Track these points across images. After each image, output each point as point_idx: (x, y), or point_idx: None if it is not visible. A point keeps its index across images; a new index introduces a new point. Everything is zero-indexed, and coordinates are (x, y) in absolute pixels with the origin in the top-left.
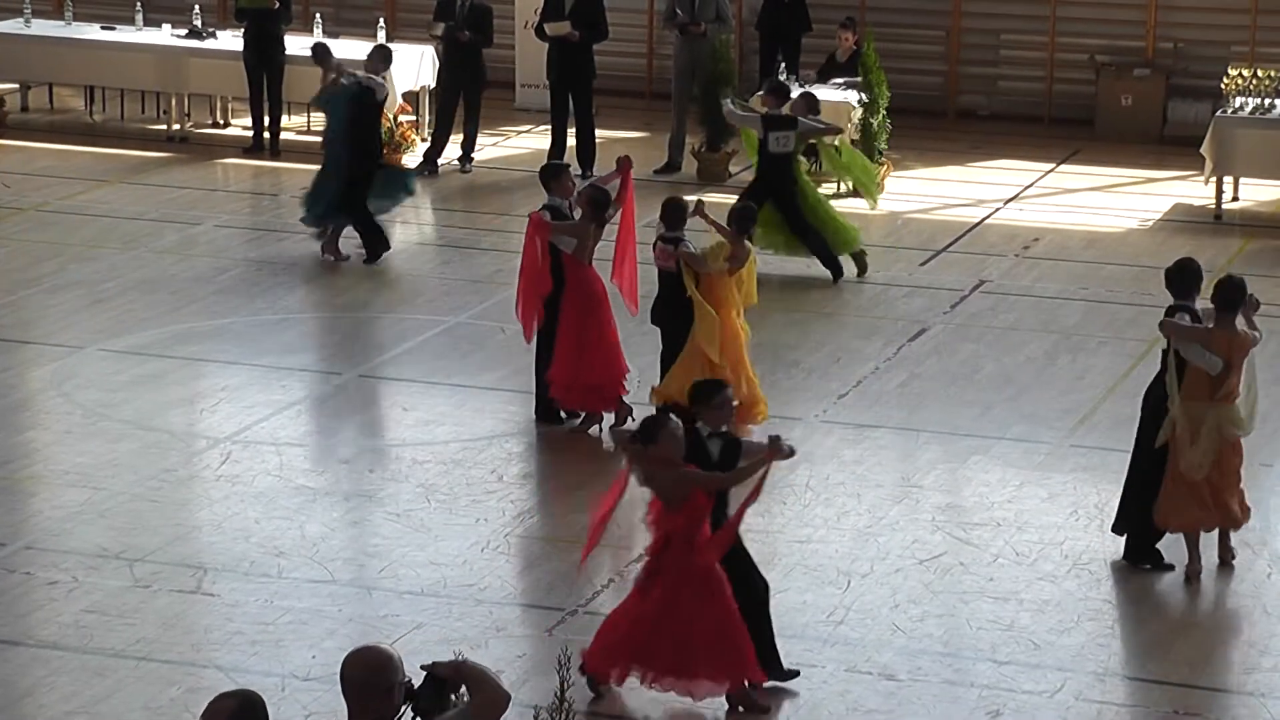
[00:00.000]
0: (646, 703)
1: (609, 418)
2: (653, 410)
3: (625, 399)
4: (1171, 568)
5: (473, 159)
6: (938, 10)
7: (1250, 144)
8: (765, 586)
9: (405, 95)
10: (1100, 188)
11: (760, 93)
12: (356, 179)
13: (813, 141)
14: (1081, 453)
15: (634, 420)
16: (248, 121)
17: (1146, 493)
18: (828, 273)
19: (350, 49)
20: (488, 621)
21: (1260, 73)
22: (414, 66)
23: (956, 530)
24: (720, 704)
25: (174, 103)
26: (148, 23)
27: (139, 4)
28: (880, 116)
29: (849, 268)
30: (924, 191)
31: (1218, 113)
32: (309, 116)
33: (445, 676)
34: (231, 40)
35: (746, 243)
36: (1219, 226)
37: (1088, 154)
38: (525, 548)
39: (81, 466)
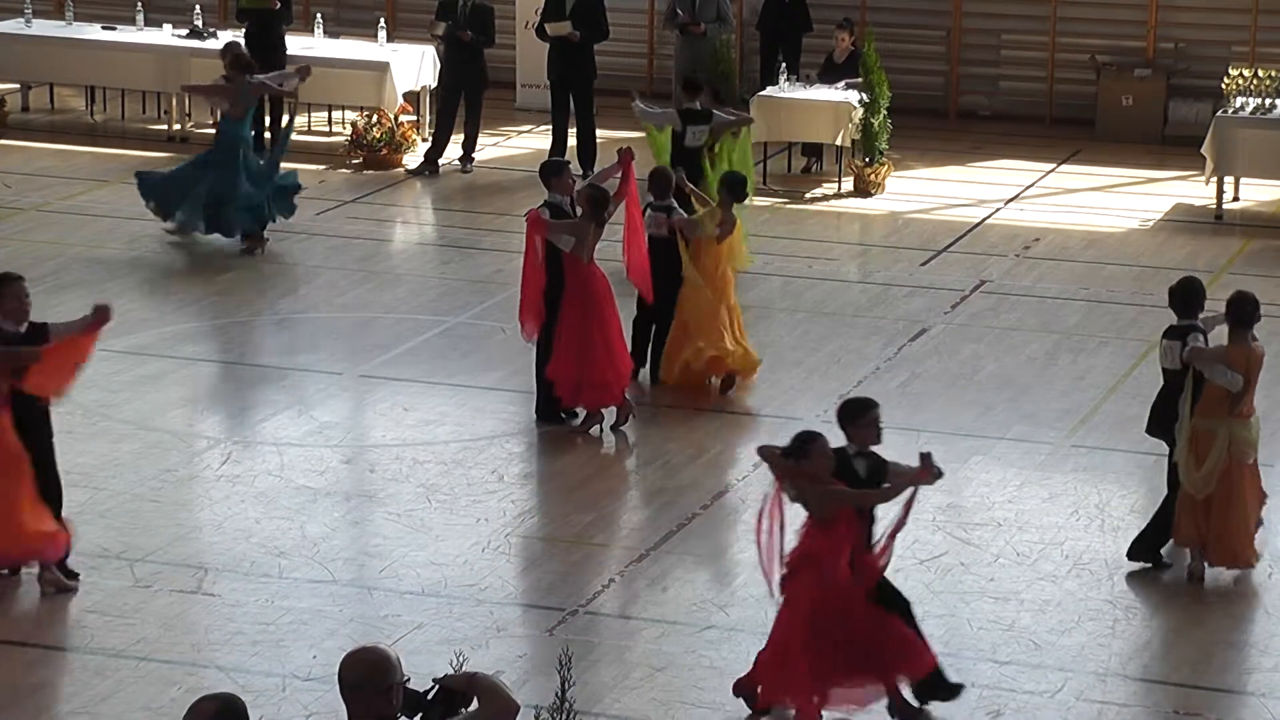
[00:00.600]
0: (647, 703)
1: (609, 418)
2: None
3: (629, 396)
4: (1169, 566)
5: (473, 159)
6: (938, 10)
7: (1251, 144)
8: (906, 601)
9: (406, 95)
10: (1101, 188)
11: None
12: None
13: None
14: (1082, 453)
15: (635, 418)
16: None
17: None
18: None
19: (351, 49)
20: (488, 621)
21: (1261, 73)
22: (414, 66)
23: (957, 530)
24: (727, 701)
25: (174, 103)
26: (148, 23)
27: (139, 4)
28: (881, 117)
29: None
30: (925, 191)
31: (1218, 113)
32: (309, 116)
33: (458, 689)
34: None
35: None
36: (1219, 227)
37: (1088, 154)
38: (526, 548)
39: (82, 466)
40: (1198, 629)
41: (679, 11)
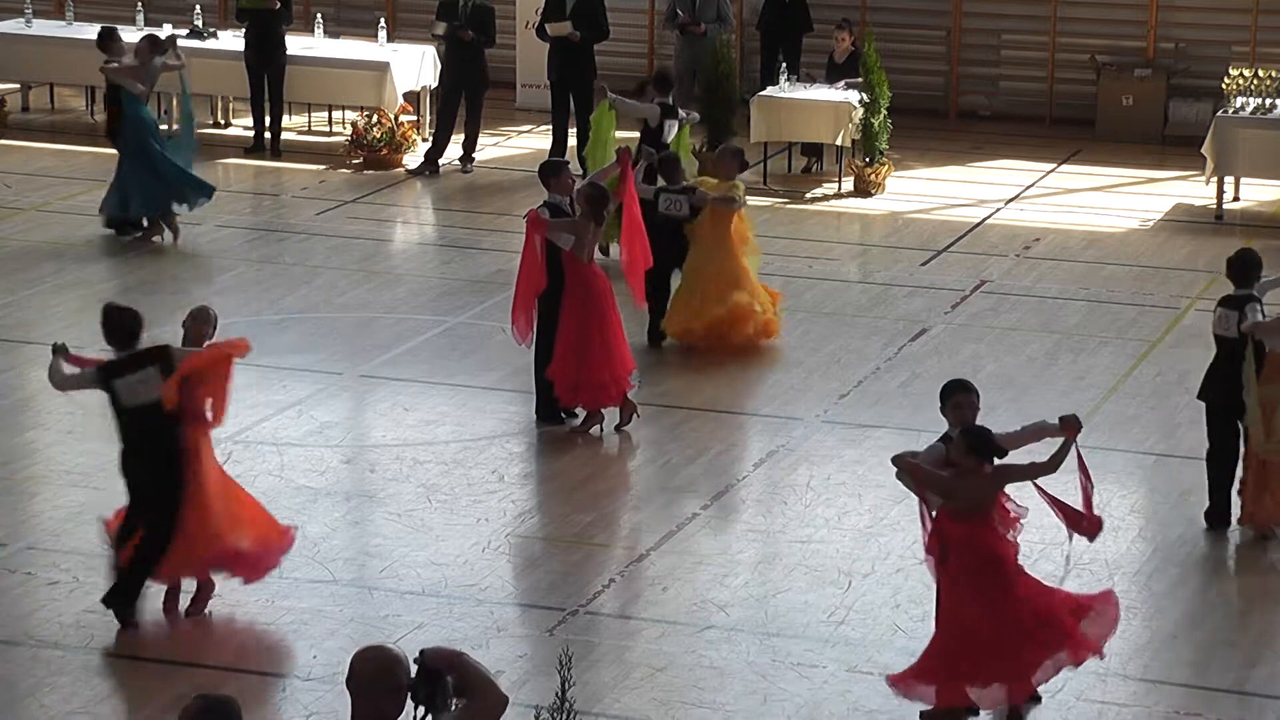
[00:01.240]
0: (647, 703)
1: (610, 418)
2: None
3: (630, 396)
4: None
5: (474, 159)
6: (938, 10)
7: (1251, 144)
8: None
9: (406, 95)
10: (1101, 188)
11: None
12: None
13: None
14: (1082, 453)
15: (638, 417)
16: (249, 121)
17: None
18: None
19: (351, 49)
20: (488, 621)
21: (1261, 73)
22: (414, 66)
23: None
24: (727, 701)
25: (174, 103)
26: (148, 23)
27: (140, 4)
28: (881, 116)
29: None
30: (925, 191)
31: (1219, 113)
32: (310, 116)
33: (439, 669)
34: (232, 40)
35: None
36: (1220, 227)
37: (1088, 154)
38: (526, 548)
39: (82, 466)
40: (1198, 629)
41: (679, 11)
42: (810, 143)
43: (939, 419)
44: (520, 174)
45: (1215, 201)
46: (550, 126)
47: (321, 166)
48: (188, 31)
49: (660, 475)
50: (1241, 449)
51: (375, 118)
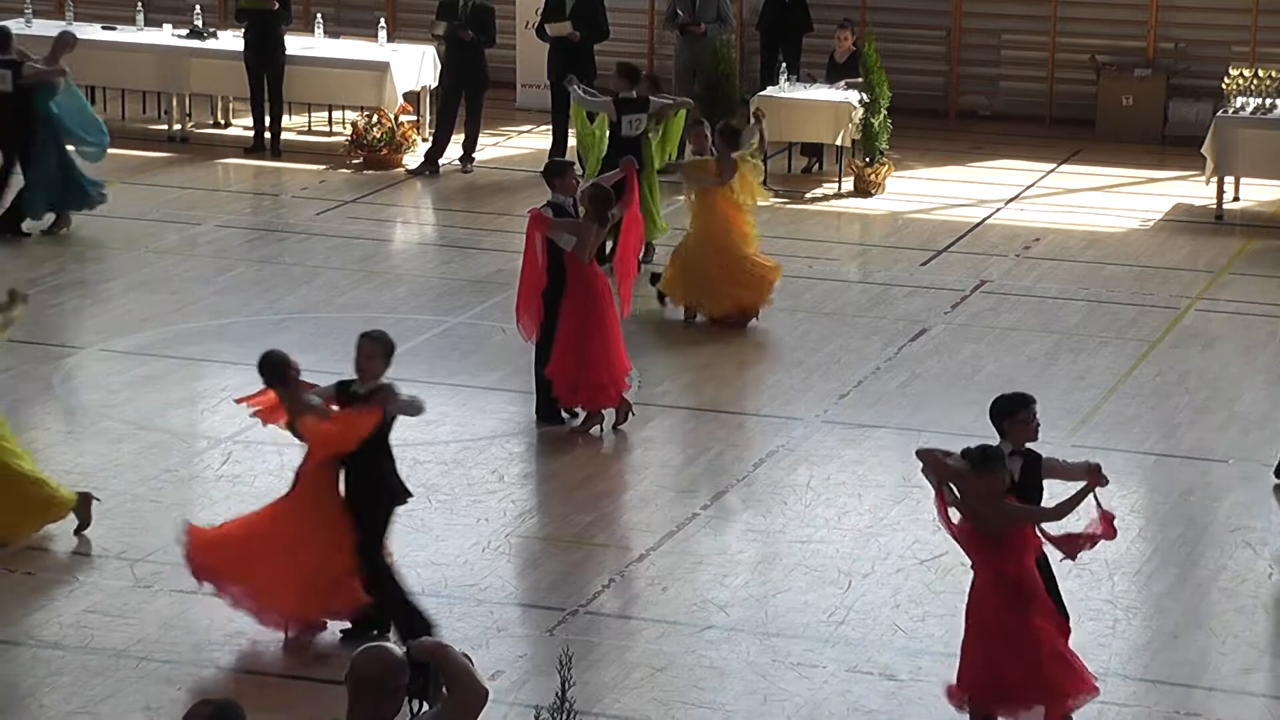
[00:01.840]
0: (647, 703)
1: (609, 418)
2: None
3: (627, 396)
4: None
5: (474, 159)
6: (938, 10)
7: (1251, 144)
8: (1067, 618)
9: (406, 95)
10: (1101, 188)
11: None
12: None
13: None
14: (1082, 453)
15: (633, 416)
16: (249, 121)
17: None
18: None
19: (351, 49)
20: (488, 621)
21: (1261, 73)
22: (414, 66)
23: None
24: (727, 701)
25: (175, 103)
26: (148, 23)
27: (140, 4)
28: (881, 116)
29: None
30: (925, 191)
31: (1218, 113)
32: (309, 116)
33: (423, 661)
34: (232, 40)
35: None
36: (1220, 227)
37: (1088, 154)
38: (525, 548)
39: (82, 467)
40: (1198, 629)
41: (679, 11)
42: (810, 143)
43: (939, 419)
44: (520, 174)
45: (1215, 201)
46: (550, 126)
47: (321, 166)
48: (188, 31)
49: (660, 475)
50: None
51: (375, 118)
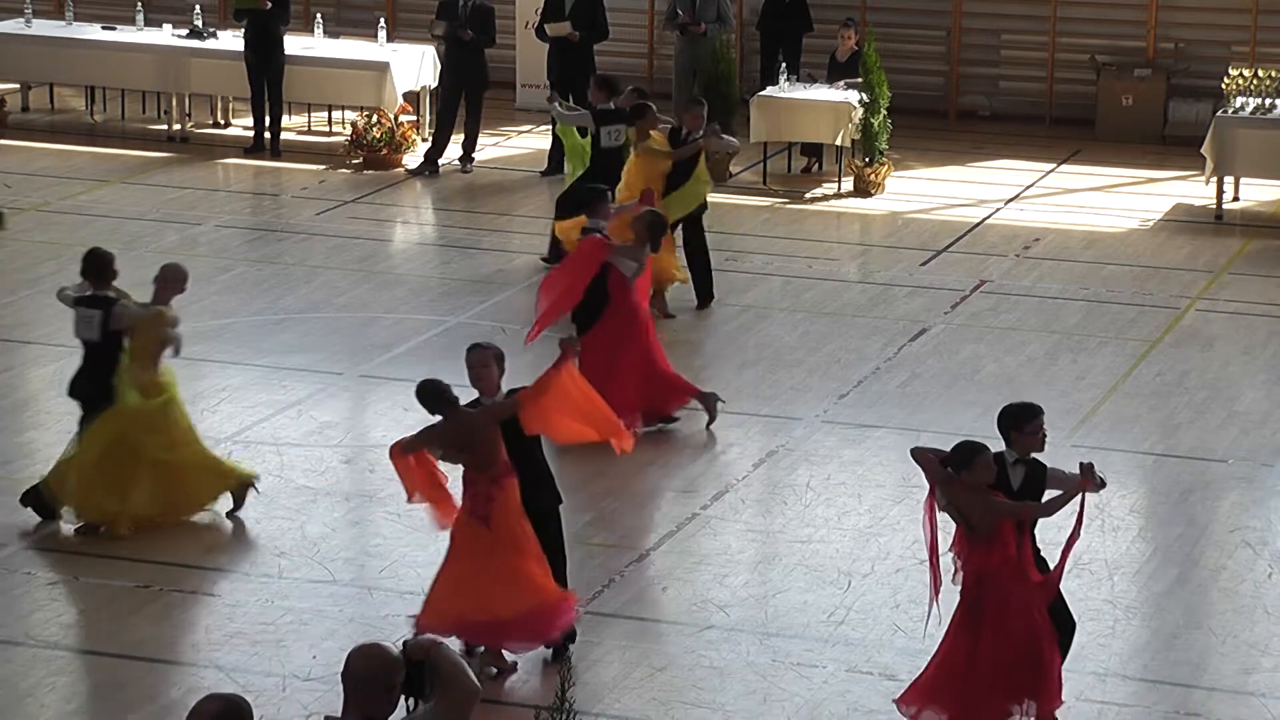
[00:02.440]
0: (647, 703)
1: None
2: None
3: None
4: None
5: (473, 159)
6: (938, 10)
7: (1251, 144)
8: (1073, 626)
9: (406, 95)
10: (1101, 188)
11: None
12: None
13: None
14: (1082, 453)
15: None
16: (248, 121)
17: None
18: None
19: (351, 49)
20: None
21: (1261, 73)
22: (414, 66)
23: None
24: (727, 701)
25: (175, 103)
26: (148, 23)
27: (139, 4)
28: (881, 117)
29: None
30: (925, 191)
31: (1218, 113)
32: (309, 116)
33: (418, 659)
34: (232, 40)
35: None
36: (1220, 227)
37: (1088, 154)
38: None
39: None
40: (1198, 629)
41: (679, 11)
42: (810, 143)
43: (939, 419)
44: (520, 174)
45: (1215, 201)
46: (550, 126)
47: (321, 166)
48: (187, 31)
49: (660, 475)
50: None
51: (375, 118)
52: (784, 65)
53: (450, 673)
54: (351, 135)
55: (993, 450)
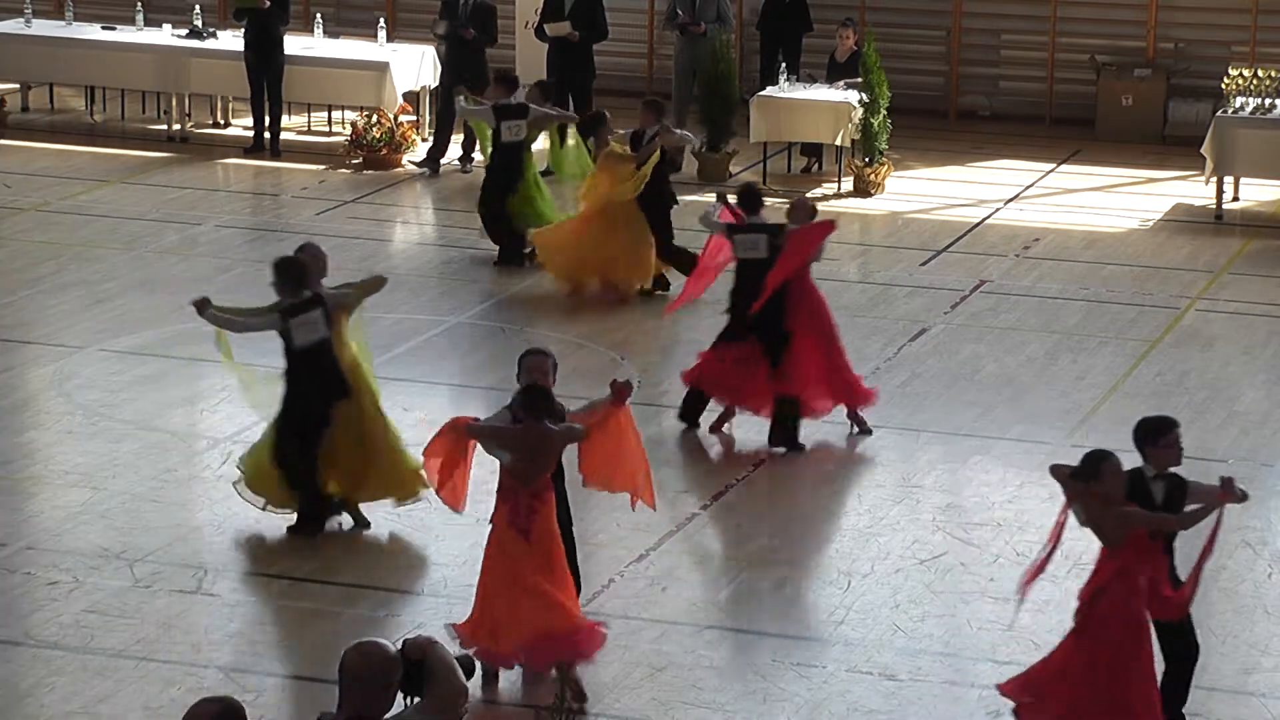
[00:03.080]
0: (647, 703)
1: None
2: None
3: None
4: None
5: (474, 159)
6: (938, 10)
7: (1251, 144)
8: (1197, 650)
9: (406, 95)
10: (1101, 188)
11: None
12: None
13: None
14: (1082, 453)
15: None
16: (248, 121)
17: None
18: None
19: (351, 49)
20: None
21: (1261, 73)
22: (414, 66)
23: (957, 530)
24: (727, 701)
25: (174, 103)
26: (148, 23)
27: (139, 4)
28: (881, 117)
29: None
30: (925, 191)
31: (1218, 113)
32: (309, 116)
33: (416, 659)
34: (232, 40)
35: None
36: (1220, 227)
37: (1088, 154)
38: None
39: (82, 467)
40: (1198, 629)
41: (679, 11)
42: (810, 143)
43: (938, 419)
44: None
45: (1215, 201)
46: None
47: (321, 166)
48: (187, 31)
49: (660, 475)
50: None
51: (375, 118)
52: (784, 65)
53: (440, 672)
54: (351, 135)
55: (1129, 465)
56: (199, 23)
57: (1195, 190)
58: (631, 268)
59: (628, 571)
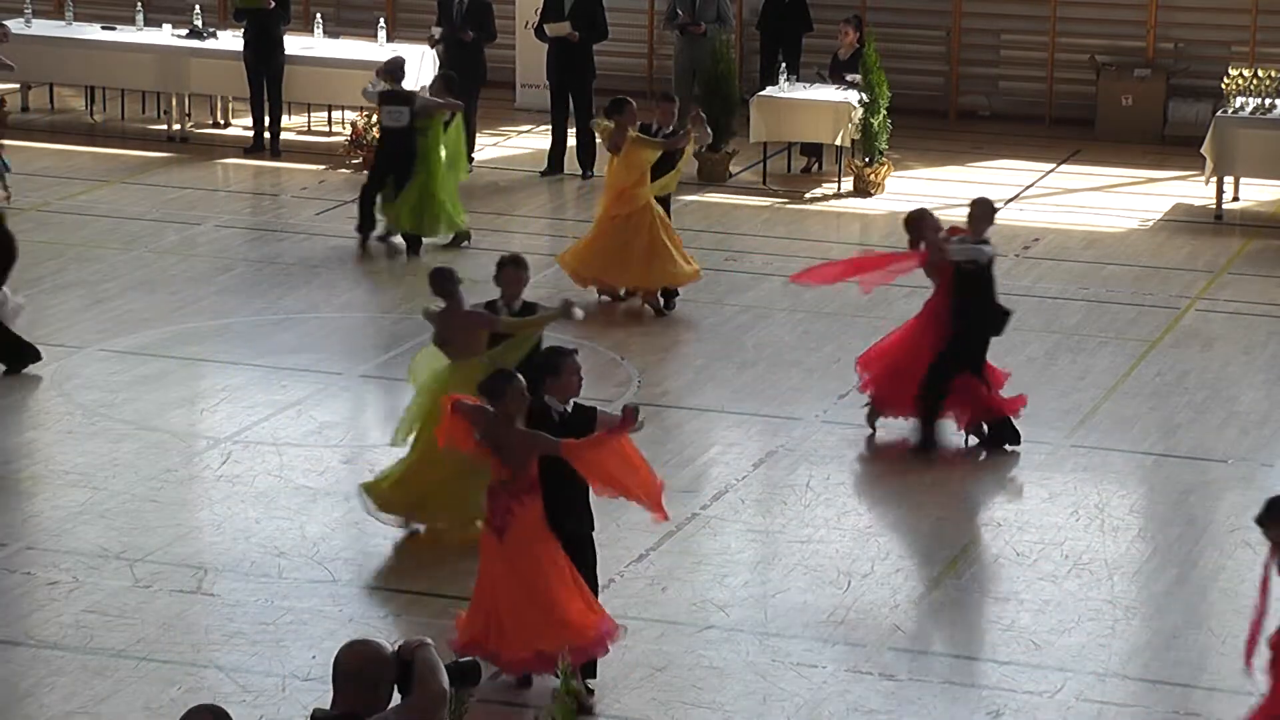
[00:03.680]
0: (647, 703)
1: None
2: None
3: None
4: None
5: (473, 159)
6: (938, 10)
7: (1251, 144)
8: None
9: None
10: (1101, 188)
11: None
12: None
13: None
14: (1082, 453)
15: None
16: (248, 121)
17: None
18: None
19: (351, 49)
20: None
21: (1260, 73)
22: (414, 66)
23: (957, 530)
24: (727, 701)
25: (174, 103)
26: (148, 23)
27: (139, 4)
28: (881, 116)
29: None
30: (924, 191)
31: (1218, 113)
32: (309, 116)
33: (409, 660)
34: (232, 40)
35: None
36: (1219, 227)
37: (1088, 154)
38: None
39: (82, 466)
40: (1198, 629)
41: (679, 11)
42: (810, 143)
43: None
44: (519, 174)
45: (1215, 201)
46: (550, 126)
47: (321, 166)
48: (187, 31)
49: (660, 475)
50: None
51: (375, 118)
52: (784, 65)
53: (422, 672)
54: (351, 135)
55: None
56: (199, 23)
57: (1195, 190)
58: (642, 278)
59: (628, 571)
